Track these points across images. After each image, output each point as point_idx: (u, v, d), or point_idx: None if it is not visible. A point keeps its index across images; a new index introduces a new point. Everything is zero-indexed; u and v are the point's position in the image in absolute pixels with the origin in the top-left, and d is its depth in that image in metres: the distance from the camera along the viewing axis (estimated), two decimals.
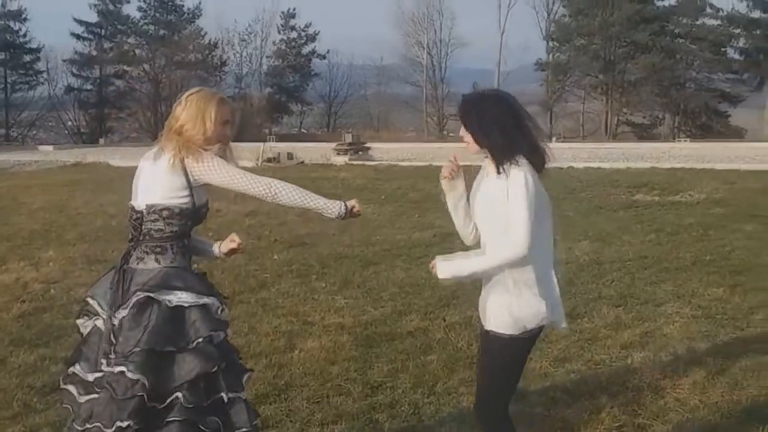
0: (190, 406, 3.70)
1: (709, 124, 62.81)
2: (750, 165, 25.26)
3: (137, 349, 3.67)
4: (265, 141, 38.95)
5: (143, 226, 3.91)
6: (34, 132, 65.76)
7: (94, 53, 65.17)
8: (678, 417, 5.34)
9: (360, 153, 31.42)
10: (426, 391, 5.88)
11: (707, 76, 63.14)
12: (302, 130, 73.37)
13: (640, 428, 5.22)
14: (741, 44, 62.04)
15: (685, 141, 48.83)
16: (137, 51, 65.91)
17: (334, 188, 19.67)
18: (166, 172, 3.88)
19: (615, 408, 5.47)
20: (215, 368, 3.76)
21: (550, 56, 66.95)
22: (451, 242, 12.00)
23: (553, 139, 52.90)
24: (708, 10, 61.66)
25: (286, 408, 5.55)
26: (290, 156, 30.59)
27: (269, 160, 29.33)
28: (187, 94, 4.07)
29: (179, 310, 3.78)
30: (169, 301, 3.77)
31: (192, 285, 3.87)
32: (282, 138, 51.18)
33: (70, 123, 66.21)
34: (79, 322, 4.10)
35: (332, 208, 4.02)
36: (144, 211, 3.91)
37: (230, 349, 4.08)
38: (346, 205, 4.06)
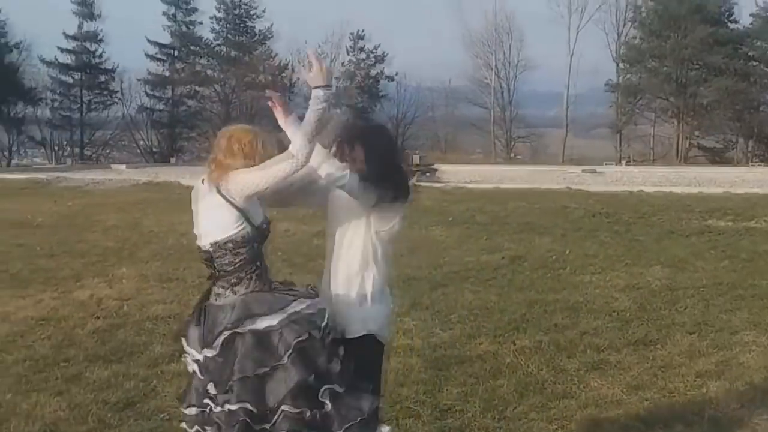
0: (298, 411, 3.70)
1: None
2: None
3: (231, 381, 3.71)
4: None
5: (215, 263, 3.92)
6: (108, 151, 67.08)
7: (167, 74, 66.36)
8: None
9: (427, 174, 31.43)
10: (496, 416, 5.82)
11: None
12: None
13: None
14: None
15: (759, 165, 47.90)
16: (209, 72, 66.97)
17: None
18: (213, 208, 3.90)
19: None
20: (312, 376, 3.75)
21: (621, 78, 66.26)
22: (519, 265, 12.00)
23: (623, 162, 52.34)
24: None
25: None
26: None
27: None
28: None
29: (265, 333, 3.77)
30: (254, 330, 3.76)
31: (273, 306, 3.83)
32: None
33: (142, 142, 67.42)
34: (184, 360, 4.15)
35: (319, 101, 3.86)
36: (211, 250, 3.92)
37: (325, 347, 3.93)
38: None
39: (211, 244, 3.89)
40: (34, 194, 26.11)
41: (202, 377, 3.86)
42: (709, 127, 63.02)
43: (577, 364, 7.09)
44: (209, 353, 3.81)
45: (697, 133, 63.75)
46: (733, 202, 20.95)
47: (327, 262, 4.18)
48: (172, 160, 57.24)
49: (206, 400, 3.83)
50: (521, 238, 14.58)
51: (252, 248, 3.93)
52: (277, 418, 3.71)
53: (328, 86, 3.82)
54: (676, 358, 7.26)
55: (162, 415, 5.90)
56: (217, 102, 66.26)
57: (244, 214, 3.86)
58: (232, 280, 3.88)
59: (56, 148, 65.10)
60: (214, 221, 3.89)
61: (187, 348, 3.99)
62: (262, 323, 3.76)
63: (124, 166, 44.80)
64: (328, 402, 3.78)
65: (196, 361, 3.89)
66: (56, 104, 64.27)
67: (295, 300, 3.86)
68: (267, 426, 3.73)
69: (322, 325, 3.84)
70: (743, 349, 7.53)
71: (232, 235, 3.85)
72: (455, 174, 32.47)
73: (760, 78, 61.04)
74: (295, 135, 3.81)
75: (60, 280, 11.02)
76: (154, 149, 66.81)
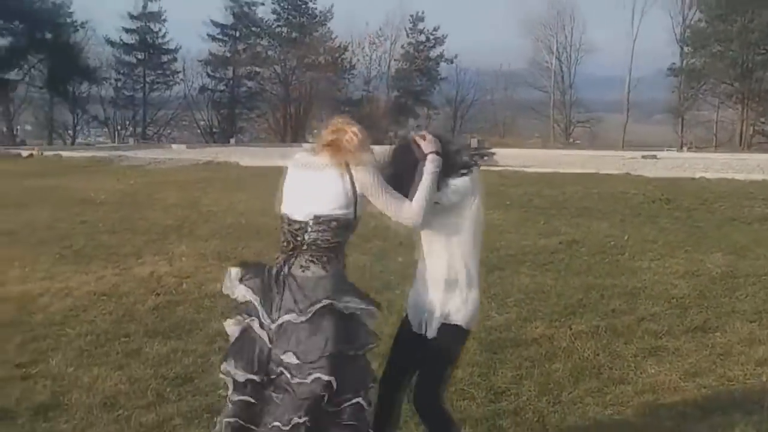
0: (370, 407, 3.84)
1: None
2: None
3: (325, 354, 3.73)
4: (391, 144, 39.12)
5: (306, 236, 3.91)
6: (169, 131, 68.00)
7: (228, 54, 66.91)
8: None
9: (485, 158, 31.14)
10: (551, 400, 5.81)
11: None
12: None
13: None
14: None
15: None
16: (269, 52, 67.37)
17: None
18: (330, 184, 3.92)
19: (749, 426, 5.29)
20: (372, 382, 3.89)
21: (684, 62, 65.16)
22: (576, 249, 11.91)
23: (684, 148, 51.56)
24: None
25: (411, 410, 5.55)
26: None
27: None
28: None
29: (353, 316, 3.86)
30: (346, 307, 3.84)
31: (359, 292, 3.96)
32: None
33: (202, 122, 68.22)
34: (230, 321, 4.12)
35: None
36: (310, 221, 3.91)
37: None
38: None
39: (315, 216, 3.89)
40: (96, 172, 26.56)
41: (270, 344, 3.86)
42: None
43: (634, 349, 7.04)
44: (295, 319, 3.80)
45: (761, 119, 62.49)
46: None
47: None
48: (232, 140, 57.73)
49: (279, 368, 3.83)
50: (579, 223, 14.46)
51: (348, 234, 4.02)
52: (347, 406, 3.78)
53: (438, 153, 3.99)
54: (736, 346, 7.16)
55: (219, 391, 5.97)
56: (276, 83, 66.68)
57: (356, 203, 3.93)
58: (324, 258, 3.91)
59: (118, 127, 66.31)
60: (326, 197, 3.91)
61: (257, 306, 3.95)
62: (353, 302, 3.87)
63: (184, 146, 45.30)
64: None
65: (269, 329, 3.87)
66: (119, 84, 65.40)
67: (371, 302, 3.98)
68: (331, 409, 3.77)
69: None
70: None
71: (340, 215, 3.89)
72: (513, 158, 32.14)
73: None
74: (419, 196, 3.92)
75: (121, 257, 11.21)
76: (214, 129, 67.55)
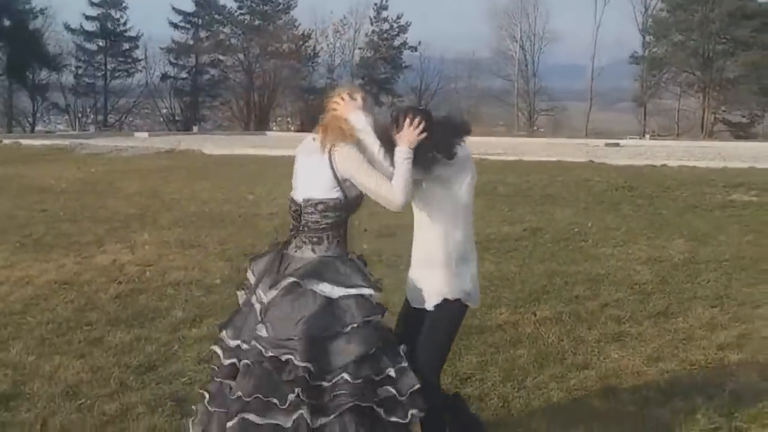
0: (358, 381, 3.86)
1: None
2: None
3: (296, 337, 3.85)
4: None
5: (302, 218, 4.13)
6: (131, 119, 67.44)
7: (191, 42, 66.40)
8: None
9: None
10: (515, 385, 5.82)
11: None
12: None
13: (736, 431, 5.09)
14: None
15: None
16: (232, 40, 66.94)
17: None
18: (317, 167, 4.11)
19: (711, 410, 5.34)
20: (374, 350, 3.93)
21: (646, 51, 65.66)
22: (540, 237, 11.97)
23: (646, 136, 51.98)
24: None
25: None
26: None
27: None
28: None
29: (334, 300, 3.95)
30: (321, 290, 3.94)
31: (343, 278, 4.02)
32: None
33: (165, 110, 67.66)
34: (239, 293, 4.35)
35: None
36: (302, 204, 4.13)
37: (385, 329, 4.20)
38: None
39: (304, 200, 4.12)
40: (56, 160, 26.23)
41: (260, 317, 4.00)
42: (735, 102, 62.43)
43: (597, 335, 7.08)
44: (272, 294, 3.97)
45: (722, 107, 63.19)
46: (757, 176, 20.75)
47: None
48: (195, 128, 57.34)
49: (252, 341, 3.96)
50: (543, 210, 14.54)
51: (339, 216, 4.13)
52: (338, 380, 3.87)
53: (410, 146, 4.04)
54: (697, 331, 7.23)
55: (183, 379, 5.94)
56: (239, 71, 66.30)
57: (341, 183, 4.07)
58: (314, 239, 4.11)
59: (79, 115, 65.58)
60: (313, 180, 4.12)
61: (251, 280, 4.19)
62: (328, 288, 3.97)
63: (146, 134, 44.90)
64: (393, 373, 3.96)
65: (261, 302, 4.04)
66: (80, 71, 64.64)
67: (368, 285, 4.05)
68: (324, 384, 3.87)
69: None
70: (765, 323, 7.50)
71: (324, 197, 4.07)
72: (477, 145, 32.24)
73: None
74: (398, 179, 4.00)
75: (82, 245, 11.09)
76: (176, 117, 67.05)
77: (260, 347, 3.92)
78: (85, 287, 8.69)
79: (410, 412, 3.95)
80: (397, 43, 71.85)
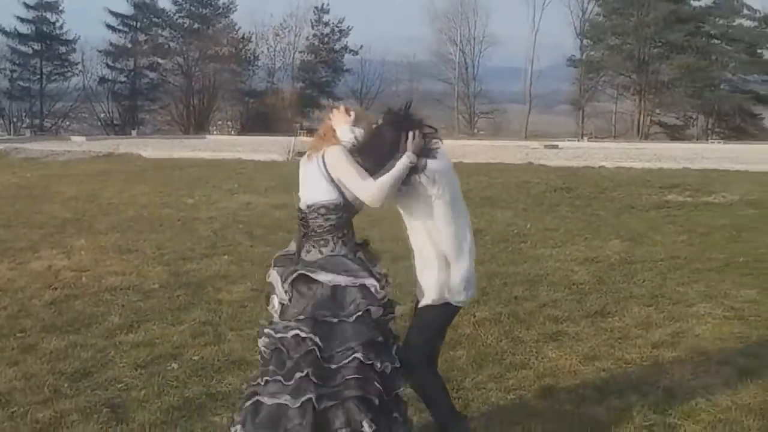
0: (368, 362, 4.15)
1: (742, 126, 62.24)
2: None
3: (302, 316, 4.18)
4: (295, 135, 38.99)
5: (308, 224, 4.42)
6: (68, 123, 66.22)
7: (129, 45, 65.55)
8: (709, 417, 5.28)
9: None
10: (455, 386, 5.83)
11: (742, 77, 62.66)
12: None
13: (670, 428, 5.17)
14: None
15: (717, 142, 48.36)
16: (171, 44, 66.27)
17: None
18: (312, 175, 4.43)
19: (645, 407, 5.42)
20: (380, 337, 4.26)
21: (583, 55, 66.52)
22: (480, 238, 12.01)
23: (584, 138, 52.62)
24: (744, 11, 61.16)
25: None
26: None
27: (300, 154, 29.29)
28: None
29: (339, 289, 4.26)
30: (329, 280, 4.25)
31: (349, 270, 4.31)
32: (312, 133, 50.92)
33: (103, 114, 66.61)
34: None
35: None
36: (306, 210, 4.43)
37: (389, 326, 4.50)
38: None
39: (308, 206, 4.42)
40: None
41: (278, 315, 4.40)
42: (670, 104, 63.47)
43: (535, 335, 7.15)
44: (285, 287, 4.35)
45: (657, 110, 64.20)
46: (691, 177, 21.15)
47: None
48: (133, 132, 56.64)
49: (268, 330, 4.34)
50: (482, 212, 14.63)
51: (341, 217, 4.40)
52: (348, 362, 4.15)
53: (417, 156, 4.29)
54: (633, 330, 7.34)
55: (119, 385, 5.87)
56: (178, 74, 65.59)
57: (336, 186, 4.36)
58: (320, 242, 4.39)
59: (14, 119, 64.18)
60: (312, 185, 4.43)
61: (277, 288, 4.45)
62: (334, 278, 4.27)
63: (83, 138, 44.12)
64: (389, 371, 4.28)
65: (281, 302, 4.37)
66: (15, 75, 63.24)
67: (374, 277, 4.33)
68: (333, 366, 4.15)
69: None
70: (698, 321, 7.64)
71: (324, 201, 4.36)
72: None
73: (720, 56, 61.65)
74: (384, 178, 4.23)
75: (17, 251, 10.90)
76: (114, 121, 66.05)
77: (275, 335, 4.24)
78: (19, 293, 8.55)
79: (394, 414, 4.32)
80: (338, 46, 71.77)
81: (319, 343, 4.11)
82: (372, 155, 4.32)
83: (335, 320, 4.20)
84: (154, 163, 26.43)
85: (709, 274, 9.74)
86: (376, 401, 4.15)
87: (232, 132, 64.79)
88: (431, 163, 4.32)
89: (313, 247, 4.38)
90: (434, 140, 4.42)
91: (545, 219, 13.97)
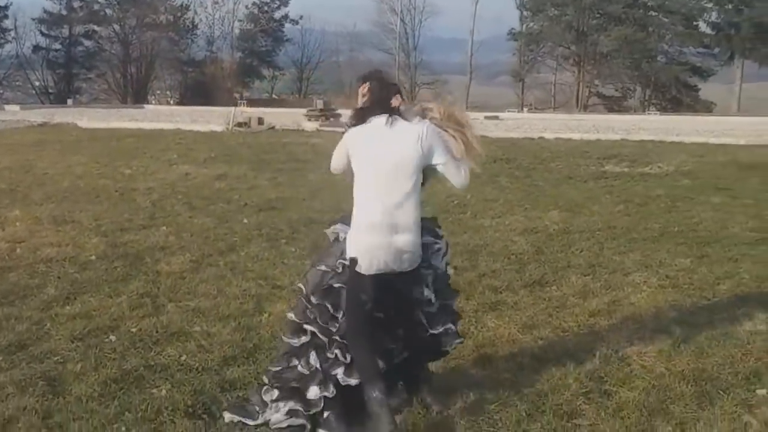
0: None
1: (678, 98, 63.26)
2: (718, 138, 25.45)
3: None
4: (235, 105, 38.67)
5: None
6: (1, 91, 64.87)
7: (64, 12, 64.24)
8: (644, 384, 5.37)
9: (331, 119, 31.23)
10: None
11: (678, 49, 63.61)
12: (273, 95, 72.98)
13: (606, 394, 5.25)
14: (713, 18, 62.37)
15: (654, 114, 49.07)
16: (107, 11, 65.14)
17: (304, 154, 19.63)
18: None
19: (582, 374, 5.49)
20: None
21: (523, 26, 66.86)
22: (422, 210, 12.04)
23: (525, 109, 52.97)
24: None
25: (254, 370, 5.53)
26: (261, 121, 30.31)
27: (240, 125, 29.09)
28: None
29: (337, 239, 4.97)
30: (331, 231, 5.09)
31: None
32: (253, 103, 50.78)
33: (37, 83, 65.39)
34: None
35: None
36: None
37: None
38: None
39: None
40: None
41: None
42: (608, 76, 64.27)
43: (475, 305, 7.20)
44: None
45: (596, 81, 64.93)
46: (628, 148, 21.45)
47: None
48: (69, 101, 55.61)
49: None
50: None
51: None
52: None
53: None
54: (570, 299, 7.44)
55: (55, 357, 5.78)
56: (115, 42, 64.59)
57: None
58: None
59: None
60: None
61: None
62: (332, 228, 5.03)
63: (17, 107, 43.28)
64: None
65: None
66: None
67: None
68: (332, 329, 4.72)
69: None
70: (634, 290, 7.75)
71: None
72: None
73: (657, 28, 62.39)
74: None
75: None
76: (50, 90, 64.87)
77: None
78: None
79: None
80: (278, 15, 71.21)
81: (311, 296, 4.81)
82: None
83: (321, 268, 4.83)
84: (91, 133, 26.00)
85: (645, 243, 9.90)
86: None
87: (171, 102, 64.02)
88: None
89: None
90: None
91: (485, 190, 14.03)
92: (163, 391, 5.18)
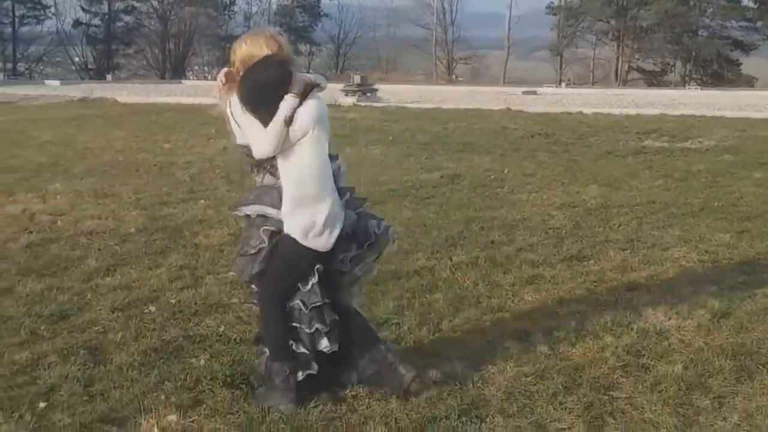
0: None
1: (720, 72, 62.34)
2: (760, 113, 25.03)
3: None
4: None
5: None
6: (42, 67, 65.48)
7: None
8: (682, 358, 5.34)
9: (368, 94, 31.19)
10: (432, 329, 5.89)
11: (720, 23, 62.59)
12: (310, 71, 72.83)
13: (643, 368, 5.23)
14: None
15: (695, 89, 48.43)
16: None
17: (342, 128, 19.58)
18: None
19: (619, 348, 5.48)
20: None
21: (562, 0, 66.18)
22: (458, 183, 12.05)
23: (563, 84, 52.56)
24: None
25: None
26: None
27: None
28: None
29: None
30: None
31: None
32: None
33: (77, 58, 65.83)
34: None
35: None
36: None
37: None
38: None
39: None
40: None
41: None
42: (648, 50, 63.45)
43: (512, 279, 7.20)
44: None
45: (636, 56, 64.18)
46: (669, 123, 21.20)
47: None
48: (108, 76, 56.02)
49: None
50: (460, 158, 14.62)
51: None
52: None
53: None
54: (608, 273, 7.40)
55: (96, 327, 5.87)
56: (154, 18, 64.82)
57: None
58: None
59: None
60: None
61: None
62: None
63: (58, 83, 43.69)
64: None
65: None
66: None
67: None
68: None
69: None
70: (673, 265, 7.70)
71: None
72: (396, 94, 32.30)
73: (699, 1, 61.40)
74: (269, 131, 4.59)
75: None
76: (89, 66, 65.30)
77: None
78: None
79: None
80: None
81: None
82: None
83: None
84: (130, 107, 26.18)
85: (685, 218, 9.81)
86: None
87: (209, 77, 64.22)
88: (311, 106, 4.55)
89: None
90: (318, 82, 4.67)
91: (523, 164, 13.98)
92: (202, 361, 5.24)
